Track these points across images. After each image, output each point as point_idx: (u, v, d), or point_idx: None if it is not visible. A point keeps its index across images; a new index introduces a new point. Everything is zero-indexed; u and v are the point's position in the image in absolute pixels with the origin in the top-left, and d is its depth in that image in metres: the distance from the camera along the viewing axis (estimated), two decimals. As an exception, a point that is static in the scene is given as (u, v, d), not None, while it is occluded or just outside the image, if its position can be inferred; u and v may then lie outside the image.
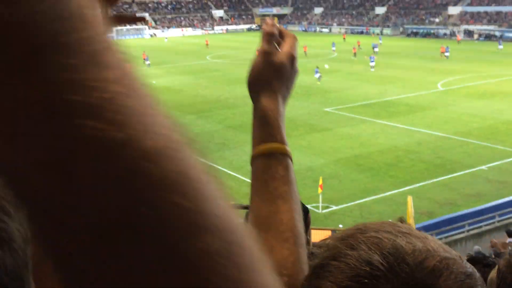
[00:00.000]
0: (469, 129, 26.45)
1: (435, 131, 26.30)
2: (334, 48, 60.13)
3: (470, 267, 0.73)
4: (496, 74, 42.30)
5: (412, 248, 0.72)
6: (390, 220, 0.82)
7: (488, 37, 78.54)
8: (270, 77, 1.25)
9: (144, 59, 55.34)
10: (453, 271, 0.70)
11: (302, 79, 44.13)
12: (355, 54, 54.97)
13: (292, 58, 1.20)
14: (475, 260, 2.91)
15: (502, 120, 28.01)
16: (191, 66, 53.45)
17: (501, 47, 62.42)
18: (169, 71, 49.90)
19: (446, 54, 53.27)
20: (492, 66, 47.38)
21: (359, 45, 56.48)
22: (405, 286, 0.67)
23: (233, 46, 68.60)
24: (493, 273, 1.53)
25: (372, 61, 46.36)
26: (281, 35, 1.21)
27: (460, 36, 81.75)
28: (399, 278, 0.68)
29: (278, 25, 1.25)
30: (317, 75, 40.77)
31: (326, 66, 39.06)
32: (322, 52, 60.50)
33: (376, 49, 57.80)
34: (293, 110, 31.92)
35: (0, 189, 0.58)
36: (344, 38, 75.19)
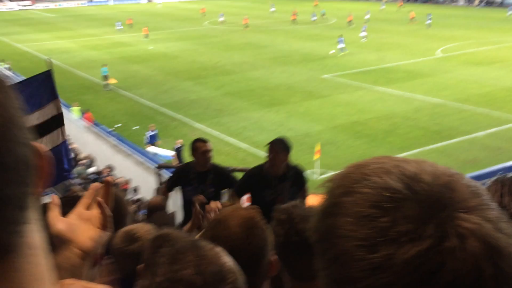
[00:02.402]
0: (467, 95, 26.40)
1: (433, 97, 26.26)
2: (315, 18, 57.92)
3: (475, 181, 0.78)
4: (496, 41, 41.99)
5: (420, 169, 0.75)
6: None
7: (489, 3, 77.60)
8: None
9: (129, 24, 55.78)
10: (464, 183, 0.74)
11: (300, 45, 44.01)
12: (350, 22, 53.93)
13: None
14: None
15: (500, 87, 27.94)
16: (188, 32, 52.89)
17: (509, 13, 61.39)
18: (165, 37, 49.38)
19: (427, 22, 51.36)
20: (492, 32, 46.99)
21: (351, 20, 54.30)
22: (426, 204, 0.70)
23: (231, 12, 67.74)
24: None
25: (363, 31, 44.73)
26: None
27: (461, 2, 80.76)
28: (420, 196, 0.71)
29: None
30: (341, 45, 38.50)
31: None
32: (318, 18, 59.83)
33: (367, 17, 57.03)
34: (291, 76, 31.79)
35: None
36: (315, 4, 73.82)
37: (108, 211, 1.42)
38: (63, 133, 6.10)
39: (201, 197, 5.03)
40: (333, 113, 24.22)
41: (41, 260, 0.68)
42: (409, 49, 39.50)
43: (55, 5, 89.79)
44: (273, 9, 67.93)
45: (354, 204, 0.73)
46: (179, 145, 18.81)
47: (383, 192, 0.72)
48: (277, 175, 5.58)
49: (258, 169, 5.77)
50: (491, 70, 31.77)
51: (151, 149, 19.81)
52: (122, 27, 55.01)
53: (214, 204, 3.23)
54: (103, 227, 1.39)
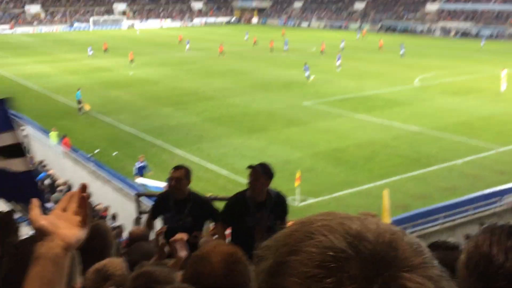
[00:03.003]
0: (444, 124, 26.81)
1: (412, 125, 26.61)
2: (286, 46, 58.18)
3: (415, 238, 0.77)
4: (471, 71, 42.94)
5: (363, 227, 0.75)
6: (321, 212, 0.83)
7: (465, 34, 79.58)
8: None
9: (104, 49, 56.03)
10: (406, 241, 0.74)
11: (281, 73, 44.45)
12: (322, 51, 54.48)
13: None
14: (435, 245, 3.00)
15: (477, 115, 28.46)
16: (169, 58, 53.07)
17: (483, 43, 63.46)
18: (146, 63, 49.45)
19: (401, 51, 52.40)
20: (468, 63, 48.09)
21: (322, 50, 54.95)
22: (370, 263, 0.69)
23: (212, 39, 68.29)
24: (462, 256, 1.58)
25: (338, 60, 44.82)
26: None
27: (438, 33, 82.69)
28: (363, 255, 0.70)
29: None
30: (307, 73, 39.58)
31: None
32: (300, 46, 60.60)
33: (342, 45, 58.04)
34: (271, 104, 31.97)
35: None
36: (283, 34, 74.93)
37: (87, 209, 1.47)
38: (28, 162, 5.88)
39: (180, 235, 4.91)
40: (313, 140, 24.35)
41: None
42: (388, 78, 40.14)
43: (34, 30, 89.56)
44: (246, 37, 68.92)
45: (299, 264, 0.72)
46: (142, 164, 18.94)
47: (327, 252, 0.71)
48: (257, 201, 5.55)
49: (240, 195, 5.72)
50: (467, 100, 32.39)
51: (140, 180, 19.08)
52: (92, 51, 54.84)
53: (179, 236, 3.18)
54: (82, 225, 1.44)
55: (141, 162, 19.87)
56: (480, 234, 1.61)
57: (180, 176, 5.80)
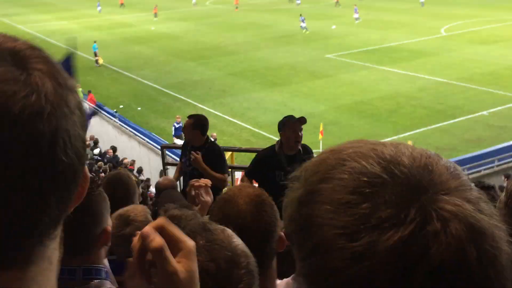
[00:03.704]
0: (471, 74, 26.26)
1: (437, 77, 26.13)
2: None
3: (451, 161, 0.76)
4: (500, 19, 41.60)
5: (397, 151, 0.73)
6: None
7: (494, -20, 76.71)
8: None
9: (121, 3, 55.56)
10: (442, 164, 0.72)
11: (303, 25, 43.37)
12: (337, 2, 53.12)
13: None
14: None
15: (505, 65, 27.76)
16: (191, 12, 52.54)
17: None
18: (167, 17, 49.06)
19: (421, 0, 50.72)
20: (496, 11, 46.53)
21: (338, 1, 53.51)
22: (406, 187, 0.68)
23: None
24: (502, 195, 1.59)
25: (356, 13, 43.50)
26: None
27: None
28: (399, 180, 0.68)
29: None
30: (303, 25, 39.35)
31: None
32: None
33: None
34: (293, 56, 31.63)
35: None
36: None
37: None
38: None
39: (204, 181, 5.05)
40: (336, 93, 24.15)
41: (53, 276, 0.70)
42: (413, 28, 39.19)
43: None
44: None
45: (332, 191, 0.70)
46: (179, 122, 18.31)
47: (361, 177, 0.69)
48: (288, 155, 5.47)
49: (269, 150, 5.65)
50: (495, 49, 31.53)
51: (179, 141, 18.89)
52: (100, 7, 54.48)
53: (204, 181, 3.21)
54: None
55: (178, 123, 18.99)
56: (509, 183, 1.61)
57: (186, 125, 6.02)
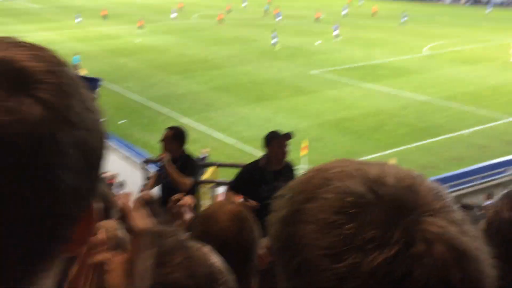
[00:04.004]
0: (453, 93, 26.62)
1: (420, 95, 26.44)
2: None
3: (435, 182, 0.76)
4: (481, 39, 42.34)
5: (382, 171, 0.73)
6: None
7: (476, 1, 78.20)
8: None
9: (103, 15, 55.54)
10: (427, 185, 0.72)
11: (288, 40, 43.92)
12: (317, 18, 53.47)
13: None
14: None
15: (486, 85, 28.21)
16: (176, 25, 52.63)
17: (489, 10, 62.63)
18: (153, 30, 49.08)
19: (403, 19, 51.66)
20: (478, 31, 47.36)
21: (319, 17, 53.61)
22: (391, 208, 0.68)
23: (221, 5, 67.49)
24: (482, 222, 1.59)
25: (336, 30, 43.28)
26: None
27: (447, 0, 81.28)
28: (384, 200, 0.68)
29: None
30: (274, 41, 39.66)
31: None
32: (308, 13, 59.88)
33: (345, 12, 57.06)
34: (278, 72, 31.79)
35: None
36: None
37: None
38: None
39: (188, 200, 5.01)
40: (320, 109, 24.29)
41: None
42: (396, 46, 39.70)
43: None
44: (244, 4, 68.17)
45: (317, 211, 0.70)
46: (205, 155, 17.02)
47: (347, 197, 0.69)
48: (274, 170, 5.46)
49: (254, 164, 5.63)
50: (477, 69, 32.05)
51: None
52: (80, 19, 54.30)
53: (188, 200, 3.20)
54: None
55: (203, 154, 17.50)
56: (499, 200, 1.62)
57: (166, 136, 6.11)
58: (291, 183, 0.79)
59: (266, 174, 5.42)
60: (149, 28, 49.81)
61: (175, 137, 6.09)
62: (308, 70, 32.24)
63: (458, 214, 0.71)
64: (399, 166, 0.76)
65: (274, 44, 39.26)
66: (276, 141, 5.40)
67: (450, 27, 50.07)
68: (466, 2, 78.90)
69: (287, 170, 5.53)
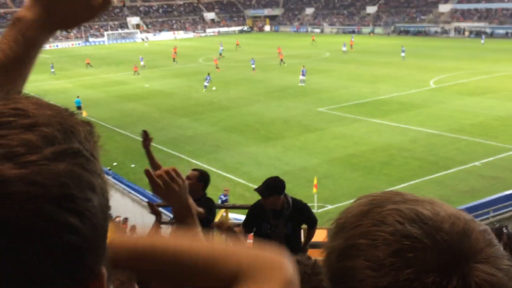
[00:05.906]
0: (461, 125, 26.59)
1: (428, 128, 26.42)
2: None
3: (483, 225, 0.79)
4: (487, 71, 42.53)
5: (436, 213, 0.76)
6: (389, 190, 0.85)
7: (479, 34, 78.93)
8: None
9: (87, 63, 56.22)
10: (479, 231, 0.75)
11: (294, 79, 44.18)
12: (281, 60, 52.06)
13: None
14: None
15: (494, 116, 28.18)
16: (183, 69, 53.41)
17: (482, 41, 63.86)
18: (161, 75, 49.81)
19: (402, 54, 51.95)
20: (483, 62, 47.64)
21: (281, 57, 52.46)
22: (447, 254, 0.71)
23: (226, 48, 68.59)
24: None
25: (303, 75, 40.76)
26: None
27: (452, 34, 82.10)
28: (440, 246, 0.71)
29: None
30: (206, 82, 40.11)
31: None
32: (312, 52, 60.61)
33: (344, 48, 57.82)
34: (286, 111, 31.99)
35: (85, 162, 0.63)
36: (313, 39, 74.47)
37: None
38: None
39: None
40: (329, 146, 24.31)
41: None
42: (402, 81, 39.93)
43: (50, 46, 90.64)
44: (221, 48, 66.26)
45: (374, 249, 0.73)
46: (227, 196, 16.82)
47: (404, 241, 0.71)
48: (274, 209, 5.70)
49: (257, 203, 5.93)
50: (484, 100, 32.08)
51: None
52: (53, 70, 53.51)
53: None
54: None
55: (225, 195, 17.33)
56: None
57: (192, 176, 6.20)
58: (347, 211, 0.83)
59: (266, 212, 5.72)
60: (157, 72, 50.52)
61: (201, 179, 6.21)
62: (315, 107, 32.42)
63: (506, 261, 0.74)
64: (447, 205, 0.79)
65: (205, 87, 39.71)
66: (261, 195, 5.69)
67: (455, 60, 50.41)
68: (469, 35, 79.63)
69: (292, 209, 5.66)
